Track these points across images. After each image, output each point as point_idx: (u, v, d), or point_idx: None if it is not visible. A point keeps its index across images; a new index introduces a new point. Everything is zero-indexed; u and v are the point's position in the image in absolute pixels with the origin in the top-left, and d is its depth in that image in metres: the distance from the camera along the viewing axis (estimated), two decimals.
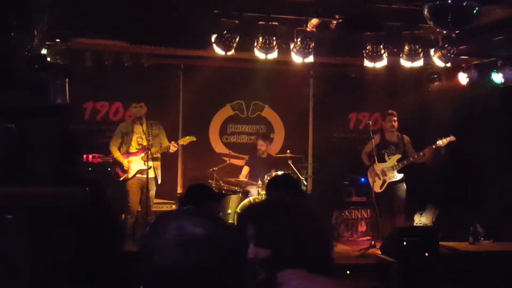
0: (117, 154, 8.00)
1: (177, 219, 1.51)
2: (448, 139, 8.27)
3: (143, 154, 7.91)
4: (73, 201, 2.05)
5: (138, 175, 7.95)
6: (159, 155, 8.07)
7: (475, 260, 7.40)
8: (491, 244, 8.29)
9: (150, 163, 7.83)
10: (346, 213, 9.39)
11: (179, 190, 9.52)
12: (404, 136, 8.65)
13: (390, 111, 8.66)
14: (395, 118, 8.56)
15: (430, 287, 6.76)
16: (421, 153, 8.34)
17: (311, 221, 2.04)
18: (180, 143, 8.25)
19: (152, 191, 7.96)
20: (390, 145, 8.56)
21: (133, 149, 8.02)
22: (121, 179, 7.93)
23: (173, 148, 8.04)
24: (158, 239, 1.48)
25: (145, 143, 7.93)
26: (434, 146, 8.27)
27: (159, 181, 8.11)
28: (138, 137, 8.02)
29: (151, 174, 7.89)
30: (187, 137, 8.36)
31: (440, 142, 8.26)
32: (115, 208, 7.55)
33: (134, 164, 7.95)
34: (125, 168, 7.93)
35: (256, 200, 8.13)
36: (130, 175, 7.93)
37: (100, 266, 3.21)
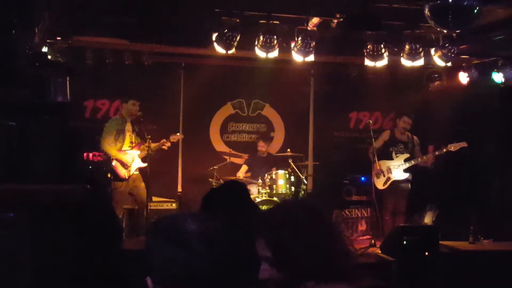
0: (114, 152, 7.75)
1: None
2: (459, 144, 8.22)
3: (139, 152, 7.89)
4: (74, 198, 2.05)
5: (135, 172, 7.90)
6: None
7: (475, 259, 7.39)
8: (491, 244, 8.27)
9: (139, 163, 7.86)
10: (346, 212, 9.39)
11: (179, 189, 9.53)
12: (414, 136, 8.64)
13: (408, 116, 8.61)
14: (411, 122, 8.55)
15: (430, 286, 6.76)
16: (424, 157, 8.33)
17: (330, 229, 1.95)
18: (171, 140, 8.21)
19: (144, 186, 7.92)
20: (399, 143, 8.55)
21: (126, 146, 7.89)
22: (126, 176, 7.76)
23: (166, 144, 8.04)
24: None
25: (134, 140, 7.94)
26: (444, 150, 8.25)
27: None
28: (130, 135, 7.95)
29: (137, 170, 7.92)
30: (177, 134, 8.38)
31: (452, 147, 8.22)
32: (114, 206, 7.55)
33: (132, 161, 7.86)
34: (128, 165, 7.78)
35: (257, 199, 8.15)
36: (130, 173, 7.83)
37: (101, 264, 3.22)
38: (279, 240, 1.85)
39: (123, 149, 7.84)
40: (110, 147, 7.77)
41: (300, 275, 1.81)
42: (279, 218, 1.95)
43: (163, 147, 8.06)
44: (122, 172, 7.77)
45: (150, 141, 7.86)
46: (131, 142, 7.94)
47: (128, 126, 7.97)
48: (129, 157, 7.83)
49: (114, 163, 7.75)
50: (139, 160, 7.89)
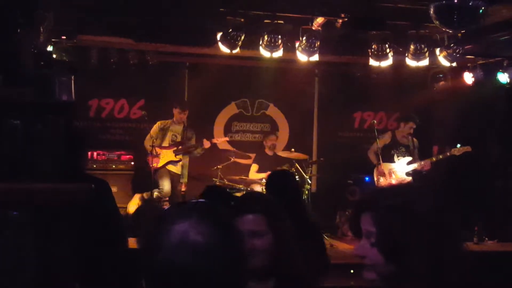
0: (148, 145, 8.47)
1: (183, 221, 1.49)
2: (463, 149, 8.17)
3: (175, 148, 8.48)
4: (79, 198, 2.05)
5: (167, 166, 8.46)
6: (187, 156, 8.63)
7: (479, 260, 7.36)
8: (496, 244, 8.26)
9: (179, 156, 8.52)
10: (350, 212, 9.36)
11: (183, 188, 9.52)
12: (414, 138, 8.57)
13: (414, 122, 8.52)
14: (415, 126, 8.50)
15: None
16: (422, 163, 8.27)
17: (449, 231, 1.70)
18: (213, 141, 8.61)
19: (179, 187, 8.63)
20: (400, 146, 8.48)
21: (165, 143, 8.53)
22: (153, 164, 8.25)
23: (206, 144, 8.49)
24: (163, 238, 1.47)
25: (178, 140, 8.55)
26: (448, 154, 8.20)
27: (182, 180, 8.62)
28: (173, 135, 8.57)
29: (179, 170, 8.56)
30: (223, 137, 9.11)
31: (455, 151, 8.17)
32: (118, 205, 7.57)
33: (165, 155, 8.43)
34: (158, 156, 8.38)
35: None
36: (160, 164, 8.37)
37: (104, 262, 3.22)
38: (387, 225, 1.62)
39: (162, 145, 8.51)
40: (148, 143, 8.50)
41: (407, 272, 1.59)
42: (395, 199, 1.71)
43: (205, 146, 8.52)
44: (152, 162, 8.34)
45: (186, 144, 8.53)
46: (172, 141, 8.56)
47: (174, 127, 8.61)
48: (161, 152, 8.44)
49: (147, 155, 8.53)
50: (172, 156, 8.49)
